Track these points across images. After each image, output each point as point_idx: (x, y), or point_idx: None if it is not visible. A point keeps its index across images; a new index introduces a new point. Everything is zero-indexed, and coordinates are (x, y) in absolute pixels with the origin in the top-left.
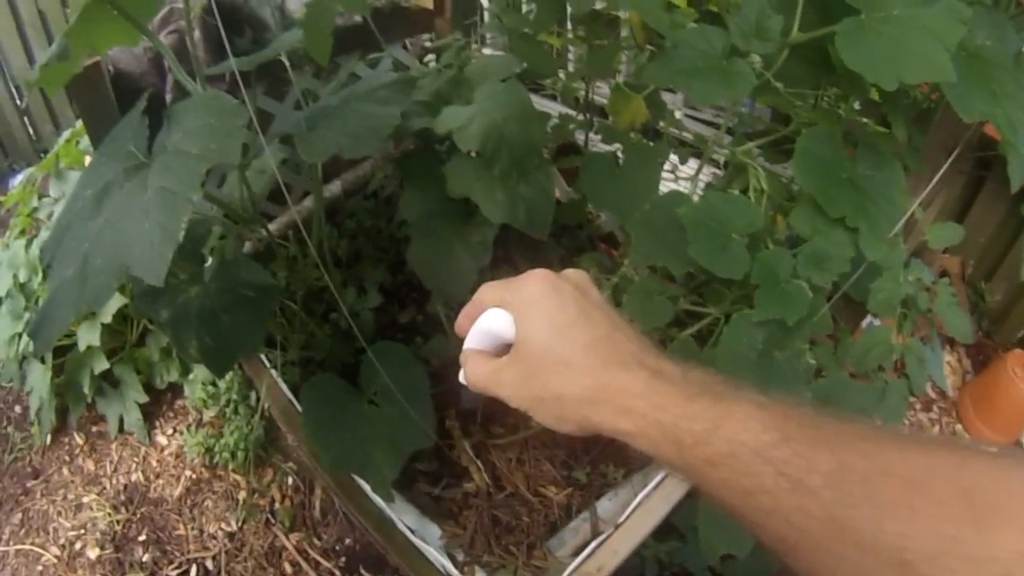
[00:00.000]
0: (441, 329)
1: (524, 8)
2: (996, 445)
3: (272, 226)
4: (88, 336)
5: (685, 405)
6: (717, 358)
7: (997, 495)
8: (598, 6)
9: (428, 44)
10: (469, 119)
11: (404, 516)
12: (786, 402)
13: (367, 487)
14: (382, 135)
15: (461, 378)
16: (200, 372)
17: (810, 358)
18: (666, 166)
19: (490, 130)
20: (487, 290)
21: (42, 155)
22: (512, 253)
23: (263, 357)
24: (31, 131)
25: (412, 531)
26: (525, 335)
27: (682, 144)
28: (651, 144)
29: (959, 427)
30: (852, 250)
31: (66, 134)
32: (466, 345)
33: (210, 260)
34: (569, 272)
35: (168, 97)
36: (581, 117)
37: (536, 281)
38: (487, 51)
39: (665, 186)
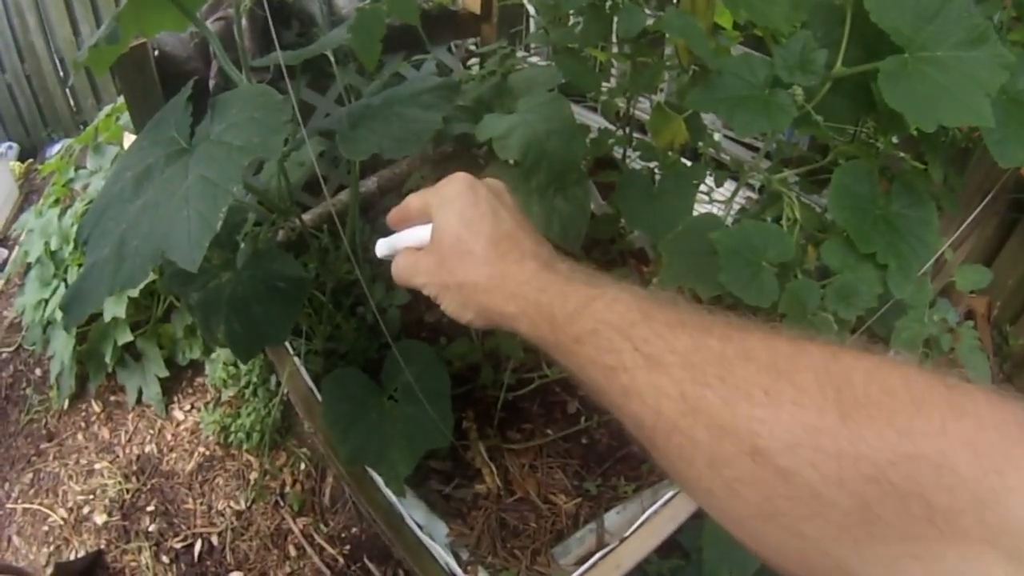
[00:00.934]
0: (466, 331)
1: (572, 20)
2: None
3: (306, 216)
4: (114, 308)
5: (562, 287)
6: None
7: (868, 389)
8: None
9: (473, 49)
10: (510, 129)
11: (413, 511)
12: (666, 297)
13: (380, 480)
14: (423, 139)
15: (379, 251)
16: (223, 353)
17: None
18: (701, 188)
19: (531, 142)
20: (414, 197)
21: (81, 127)
22: None
23: (287, 345)
24: (72, 103)
25: (420, 527)
26: (439, 227)
27: (720, 166)
28: (689, 165)
29: None
30: (880, 286)
31: (107, 109)
32: (385, 241)
33: (243, 246)
34: (488, 179)
35: (212, 83)
36: (621, 132)
37: (455, 181)
38: (533, 59)
39: (700, 208)
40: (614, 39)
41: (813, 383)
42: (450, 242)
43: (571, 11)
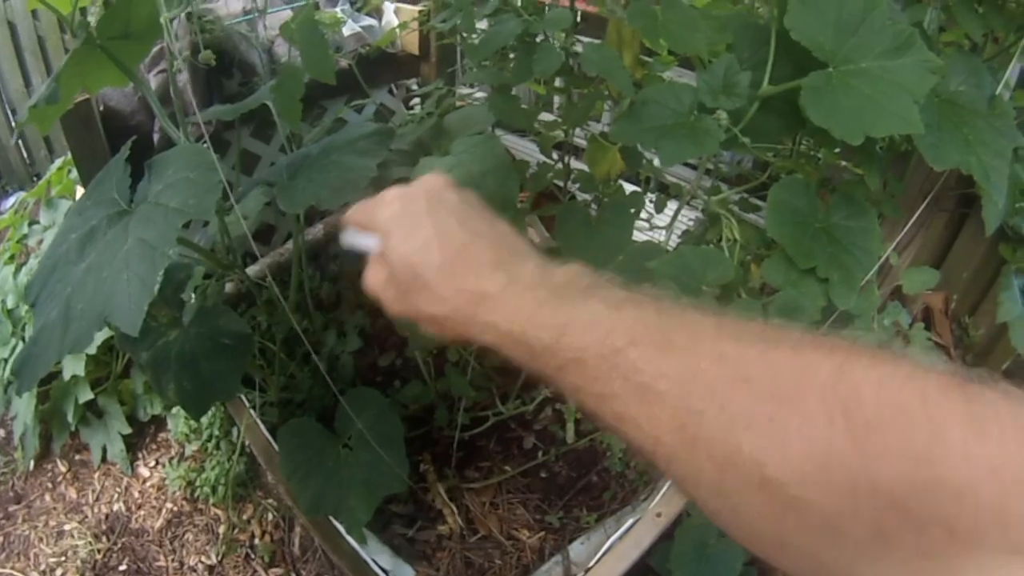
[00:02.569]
0: (420, 374)
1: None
2: None
3: (256, 267)
4: (73, 366)
5: (533, 313)
6: None
7: (880, 410)
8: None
9: (416, 88)
10: (446, 171)
11: (378, 557)
12: (643, 297)
13: (342, 528)
14: (360, 186)
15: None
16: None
17: None
18: (644, 214)
19: (466, 183)
20: (356, 211)
21: (35, 179)
22: None
23: (243, 397)
24: (25, 155)
25: (386, 572)
26: (389, 259)
27: (663, 189)
28: (628, 193)
29: None
30: (824, 299)
31: (58, 162)
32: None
33: (193, 298)
34: (424, 178)
35: (156, 137)
36: (560, 165)
37: (388, 204)
38: (480, 95)
39: (646, 235)
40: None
41: (819, 407)
42: (404, 277)
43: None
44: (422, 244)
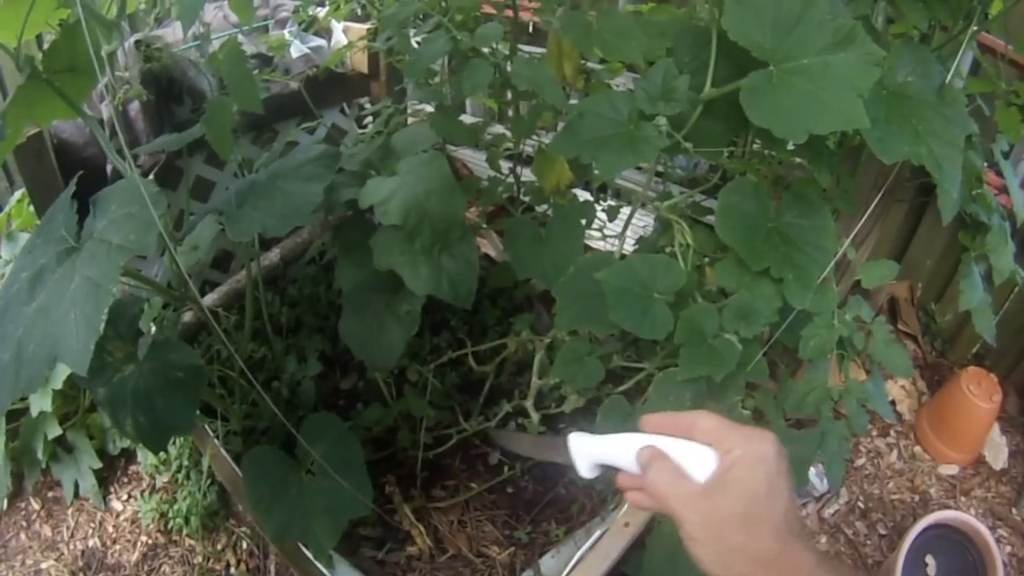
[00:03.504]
0: (381, 396)
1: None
2: (957, 463)
3: (214, 295)
4: (40, 402)
5: None
6: None
7: None
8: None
9: (368, 107)
10: (391, 193)
11: None
12: None
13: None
14: (306, 212)
15: (581, 468)
16: None
17: (750, 407)
18: (597, 223)
19: (411, 204)
20: (707, 418)
21: None
22: (448, 317)
23: (206, 427)
24: None
25: None
26: (739, 481)
27: (618, 195)
28: (580, 202)
29: (918, 449)
30: (779, 300)
31: (17, 194)
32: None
33: (153, 329)
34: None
35: (109, 168)
36: (512, 178)
37: (771, 442)
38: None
39: (601, 244)
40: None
41: None
42: (746, 502)
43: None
44: (780, 487)
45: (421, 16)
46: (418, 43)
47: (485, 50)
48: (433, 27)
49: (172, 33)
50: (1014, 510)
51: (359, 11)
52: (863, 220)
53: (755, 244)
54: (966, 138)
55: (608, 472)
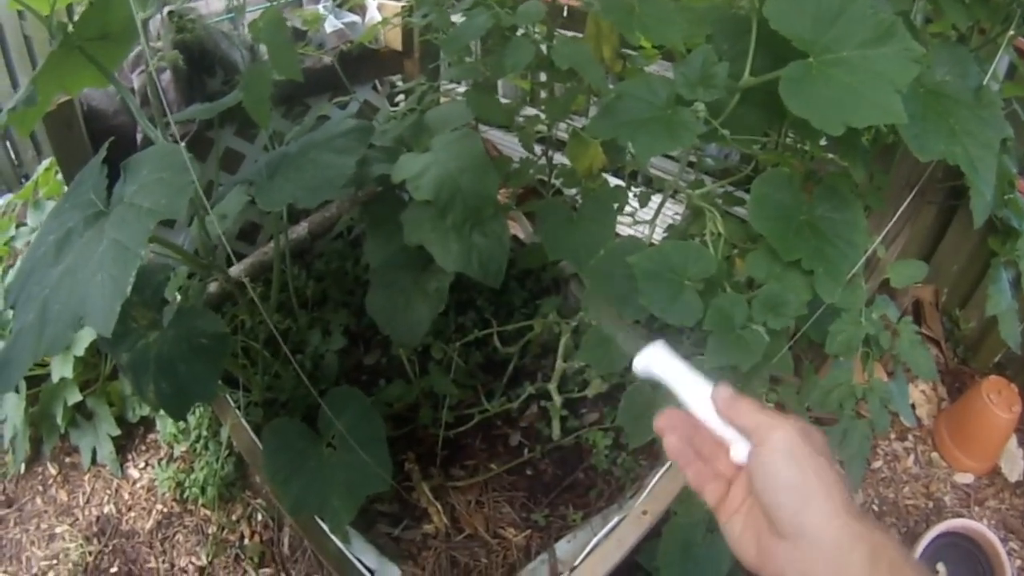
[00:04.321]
0: (404, 373)
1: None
2: (972, 472)
3: (240, 266)
4: (61, 368)
5: None
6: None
7: None
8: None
9: (400, 85)
10: (424, 169)
11: (364, 556)
12: None
13: (327, 527)
14: (337, 185)
15: (638, 365)
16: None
17: (772, 401)
18: (628, 209)
19: (444, 180)
20: (753, 411)
21: (23, 180)
22: (475, 297)
23: (227, 397)
24: (13, 156)
25: (371, 571)
26: (777, 490)
27: (648, 183)
28: (612, 187)
29: (935, 455)
30: (808, 293)
31: (45, 163)
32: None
33: (178, 297)
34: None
35: (139, 138)
36: (544, 160)
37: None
38: (464, 89)
39: (631, 230)
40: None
41: None
42: (787, 507)
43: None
44: (816, 483)
45: None
46: (455, 22)
47: (524, 29)
48: (473, 4)
49: (206, 5)
50: None
51: None
52: (895, 218)
53: (787, 235)
54: (1001, 141)
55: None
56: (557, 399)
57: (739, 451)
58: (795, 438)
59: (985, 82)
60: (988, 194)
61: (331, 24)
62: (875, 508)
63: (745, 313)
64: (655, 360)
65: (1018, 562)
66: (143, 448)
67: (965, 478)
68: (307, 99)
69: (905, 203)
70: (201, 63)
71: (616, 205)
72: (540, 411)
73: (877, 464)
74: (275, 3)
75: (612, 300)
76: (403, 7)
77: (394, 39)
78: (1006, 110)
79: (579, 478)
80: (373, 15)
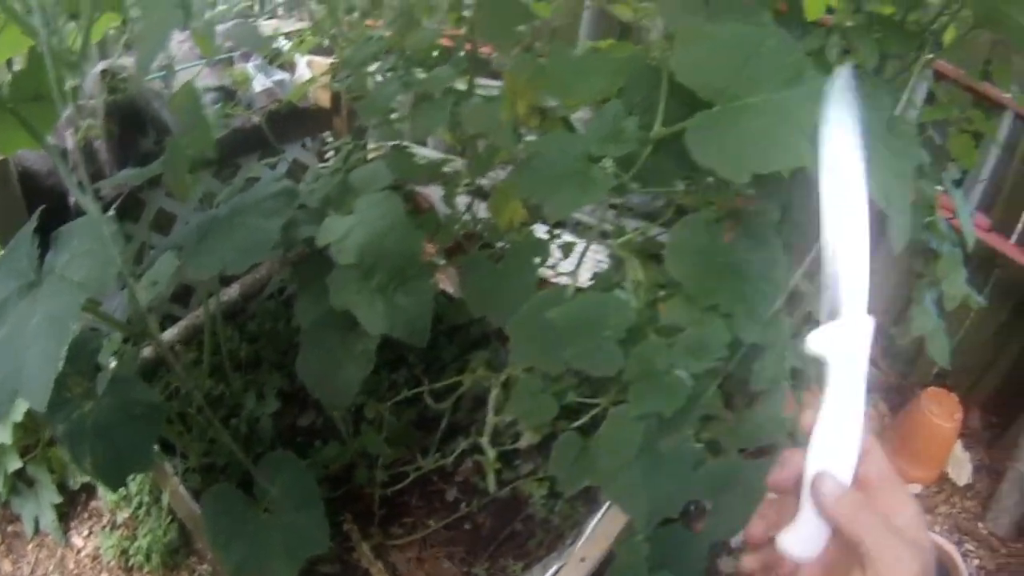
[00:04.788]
0: (338, 434)
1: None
2: (921, 482)
3: (173, 330)
4: (1, 434)
5: None
6: (598, 454)
7: None
8: None
9: (330, 141)
10: (347, 232)
11: None
12: None
13: None
14: (264, 249)
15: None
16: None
17: (706, 439)
18: (554, 259)
19: (367, 243)
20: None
21: None
22: (406, 354)
23: (166, 464)
24: None
25: None
26: None
27: (580, 225)
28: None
29: None
30: (729, 335)
31: None
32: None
33: (113, 363)
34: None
35: (72, 198)
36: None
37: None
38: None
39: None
40: None
41: None
42: None
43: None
44: None
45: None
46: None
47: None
48: (389, 67)
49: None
50: (980, 524)
51: (325, 43)
52: (813, 251)
53: (705, 279)
54: (918, 167)
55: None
56: (490, 452)
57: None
58: None
59: (898, 112)
60: (903, 221)
61: (260, 83)
62: None
63: (667, 359)
64: (843, 345)
65: (975, 561)
66: (86, 516)
67: (913, 489)
68: (237, 159)
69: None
70: (133, 123)
71: (539, 258)
72: (475, 465)
73: None
74: (205, 62)
75: (536, 354)
76: (331, 64)
77: (323, 97)
78: (926, 134)
79: (518, 529)
80: (302, 72)
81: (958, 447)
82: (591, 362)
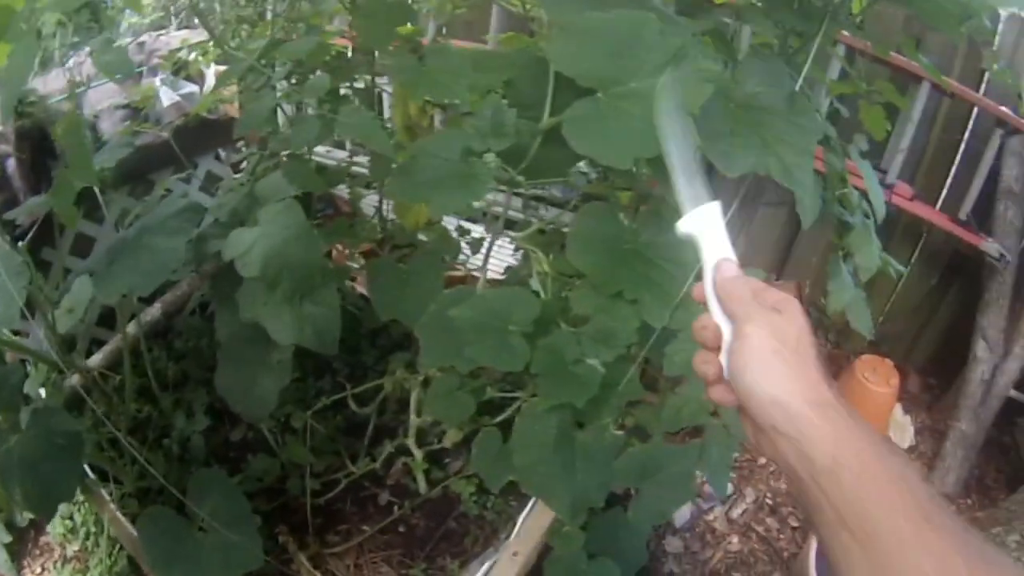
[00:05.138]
0: (267, 447)
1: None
2: None
3: (99, 355)
4: None
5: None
6: (514, 450)
7: None
8: None
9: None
10: (251, 245)
11: None
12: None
13: None
14: (170, 268)
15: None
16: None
17: (631, 424)
18: (464, 256)
19: (270, 254)
20: (740, 304)
21: None
22: (330, 360)
23: (103, 492)
24: None
25: None
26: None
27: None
28: (437, 240)
29: None
30: (637, 321)
31: None
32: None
33: (43, 394)
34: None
35: None
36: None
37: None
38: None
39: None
40: None
41: None
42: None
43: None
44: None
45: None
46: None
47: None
48: (262, 84)
49: (44, 84)
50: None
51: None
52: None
53: (608, 267)
54: (827, 141)
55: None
56: (418, 453)
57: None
58: (764, 339)
59: (799, 87)
60: (809, 197)
61: (168, 97)
62: (769, 502)
63: (576, 349)
64: (703, 221)
65: None
66: (37, 552)
67: None
68: (150, 175)
69: (730, 213)
70: (44, 147)
71: (447, 256)
72: (404, 467)
73: (763, 460)
74: (114, 79)
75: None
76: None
77: (232, 107)
78: (834, 106)
79: (452, 527)
80: (211, 83)
81: (898, 411)
82: (496, 358)
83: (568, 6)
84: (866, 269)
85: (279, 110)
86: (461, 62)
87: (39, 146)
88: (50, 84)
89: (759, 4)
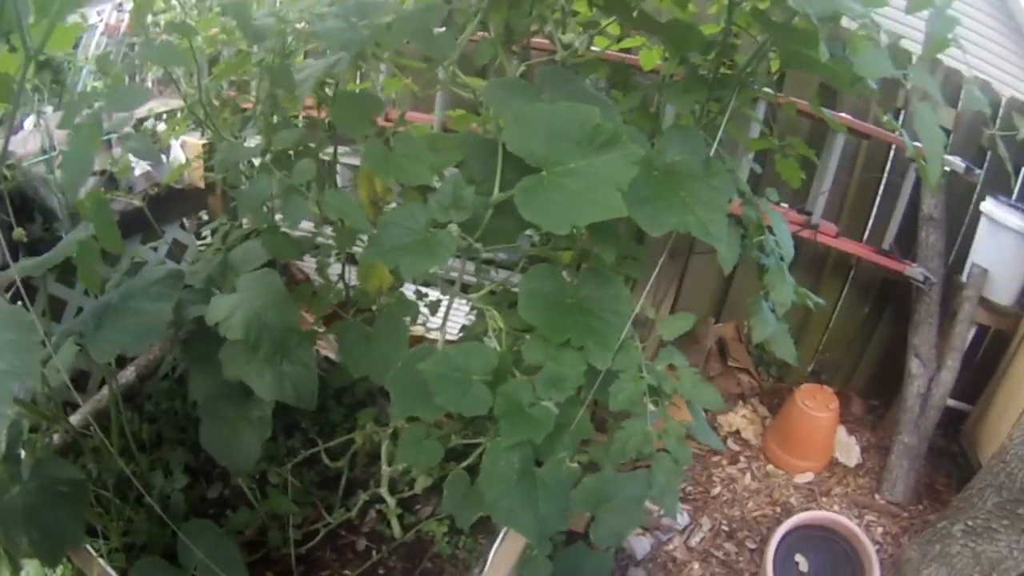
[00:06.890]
0: (247, 501)
1: None
2: (812, 471)
3: (77, 415)
4: None
5: None
6: (482, 484)
7: None
8: None
9: (205, 220)
10: (232, 310)
11: None
12: None
13: None
14: (158, 330)
15: None
16: (31, 567)
17: (584, 460)
18: (423, 317)
19: (251, 319)
20: None
21: None
22: (299, 419)
23: (89, 548)
24: None
25: None
26: None
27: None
28: (400, 303)
29: (770, 467)
30: (583, 365)
31: None
32: None
33: (23, 454)
34: None
35: None
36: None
37: None
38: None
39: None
40: None
41: None
42: None
43: None
44: None
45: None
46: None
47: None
48: (257, 169)
49: (23, 144)
50: (877, 495)
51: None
52: (650, 281)
53: (555, 319)
54: (743, 196)
55: None
56: (391, 500)
57: None
58: None
59: (713, 152)
60: (725, 247)
61: (140, 166)
62: (725, 528)
63: (531, 394)
64: None
65: (879, 529)
66: None
67: (805, 477)
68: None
69: (658, 267)
70: (21, 211)
71: (408, 318)
72: (379, 514)
73: (716, 490)
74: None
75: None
76: (203, 146)
77: (198, 177)
78: (756, 162)
79: (427, 567)
80: (177, 154)
81: (842, 433)
82: (461, 404)
83: (510, 102)
84: (781, 304)
85: None
86: (422, 148)
87: (16, 210)
88: (28, 145)
89: (678, 81)
